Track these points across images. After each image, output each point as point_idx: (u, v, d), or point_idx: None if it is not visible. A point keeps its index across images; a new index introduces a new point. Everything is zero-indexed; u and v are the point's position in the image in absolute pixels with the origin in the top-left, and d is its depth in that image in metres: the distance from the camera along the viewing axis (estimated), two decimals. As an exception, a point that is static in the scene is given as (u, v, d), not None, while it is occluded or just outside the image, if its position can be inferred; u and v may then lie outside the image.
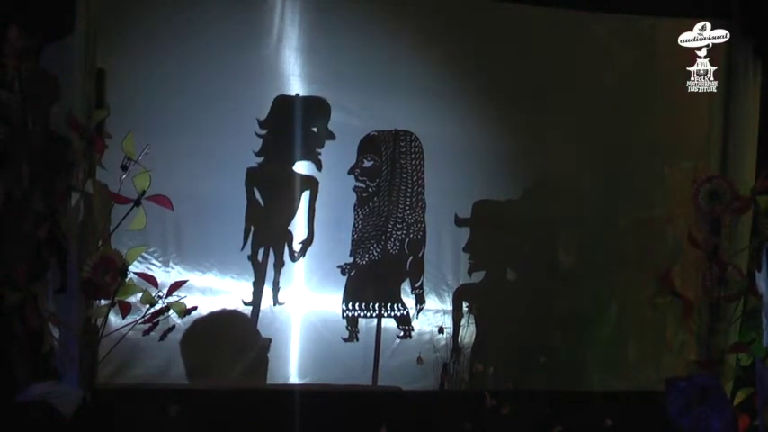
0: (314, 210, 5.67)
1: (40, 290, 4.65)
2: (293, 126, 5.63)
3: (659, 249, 6.00)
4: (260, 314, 5.60)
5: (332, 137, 5.66)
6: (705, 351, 5.67)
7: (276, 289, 5.62)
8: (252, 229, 5.58)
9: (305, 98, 5.65)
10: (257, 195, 5.60)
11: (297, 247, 5.66)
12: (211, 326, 5.45)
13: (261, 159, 5.60)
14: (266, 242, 5.61)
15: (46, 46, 4.80)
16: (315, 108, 5.65)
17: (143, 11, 5.38)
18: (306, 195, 5.67)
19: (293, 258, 5.65)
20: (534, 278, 6.02)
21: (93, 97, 4.91)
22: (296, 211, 5.67)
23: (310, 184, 5.67)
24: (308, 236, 5.67)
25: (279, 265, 5.63)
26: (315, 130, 5.66)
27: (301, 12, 5.65)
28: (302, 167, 5.69)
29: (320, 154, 5.67)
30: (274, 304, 5.61)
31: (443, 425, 5.43)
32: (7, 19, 4.60)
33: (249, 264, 5.59)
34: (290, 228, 5.67)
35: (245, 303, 5.58)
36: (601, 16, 6.07)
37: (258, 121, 5.57)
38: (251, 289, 5.59)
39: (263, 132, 5.58)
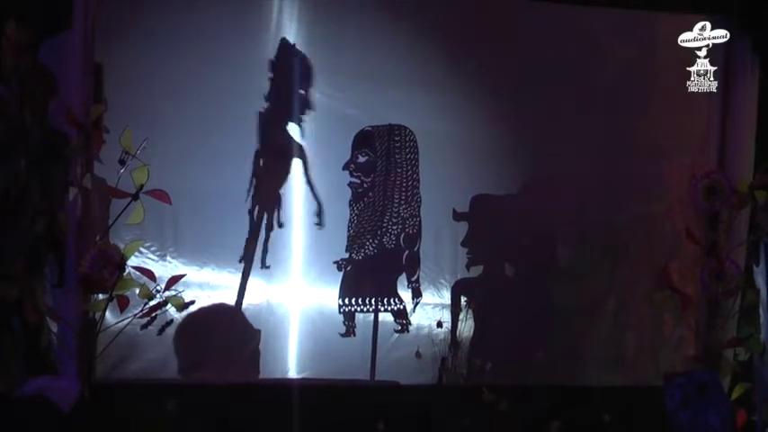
0: (310, 178, 5.64)
1: (37, 285, 4.66)
2: (290, 76, 5.63)
3: (657, 245, 6.01)
4: (255, 306, 5.58)
5: (311, 107, 5.64)
6: (703, 346, 5.69)
7: (265, 251, 5.59)
8: (254, 182, 5.56)
9: (301, 56, 5.64)
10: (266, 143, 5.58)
11: (296, 213, 5.63)
12: (199, 321, 5.43)
13: (267, 105, 5.59)
14: (263, 198, 5.57)
15: (44, 41, 4.80)
16: (306, 68, 5.63)
17: (141, 6, 5.37)
18: (299, 163, 5.65)
19: (280, 225, 5.62)
20: (533, 273, 6.02)
21: (90, 92, 4.91)
22: (288, 173, 5.64)
23: (300, 151, 5.65)
24: (317, 206, 5.64)
25: (269, 227, 5.59)
26: (302, 92, 5.65)
27: (299, 7, 5.65)
28: (294, 132, 5.69)
29: (303, 121, 5.65)
30: (261, 267, 5.57)
31: (442, 420, 5.44)
32: (5, 14, 4.61)
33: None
34: (282, 192, 5.65)
35: (239, 261, 5.55)
36: (600, 12, 6.05)
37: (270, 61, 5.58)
38: (243, 245, 5.57)
39: (271, 75, 5.58)
